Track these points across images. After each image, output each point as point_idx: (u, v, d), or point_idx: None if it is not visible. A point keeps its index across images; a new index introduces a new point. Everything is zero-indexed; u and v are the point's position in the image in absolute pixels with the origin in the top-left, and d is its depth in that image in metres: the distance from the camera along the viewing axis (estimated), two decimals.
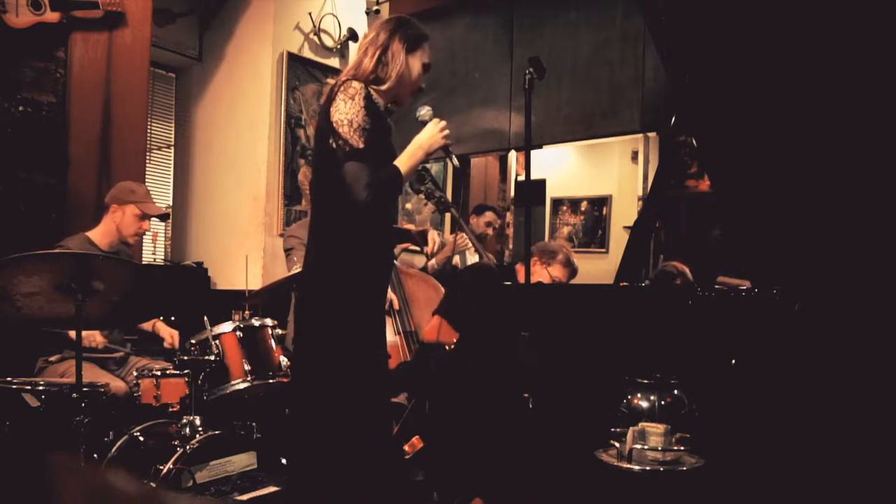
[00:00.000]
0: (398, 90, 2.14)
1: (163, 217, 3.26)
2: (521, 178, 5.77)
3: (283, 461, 2.73)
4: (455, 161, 2.23)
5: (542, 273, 3.37)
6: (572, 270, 3.54)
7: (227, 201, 4.77)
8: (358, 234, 2.03)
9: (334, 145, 1.96)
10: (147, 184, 4.15)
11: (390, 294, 3.51)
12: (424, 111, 2.22)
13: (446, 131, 2.12)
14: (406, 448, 2.78)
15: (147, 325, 3.23)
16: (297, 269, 3.11)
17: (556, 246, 3.63)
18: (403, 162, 2.06)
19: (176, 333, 3.14)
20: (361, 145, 1.93)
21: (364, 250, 2.04)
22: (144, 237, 4.16)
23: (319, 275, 2.07)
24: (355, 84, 1.99)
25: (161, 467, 2.44)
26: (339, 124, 1.95)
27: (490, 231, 4.73)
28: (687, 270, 3.79)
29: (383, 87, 2.08)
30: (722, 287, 3.15)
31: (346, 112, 1.95)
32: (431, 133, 2.11)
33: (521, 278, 3.41)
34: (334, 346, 2.03)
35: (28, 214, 3.51)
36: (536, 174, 5.72)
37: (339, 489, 1.98)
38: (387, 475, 2.10)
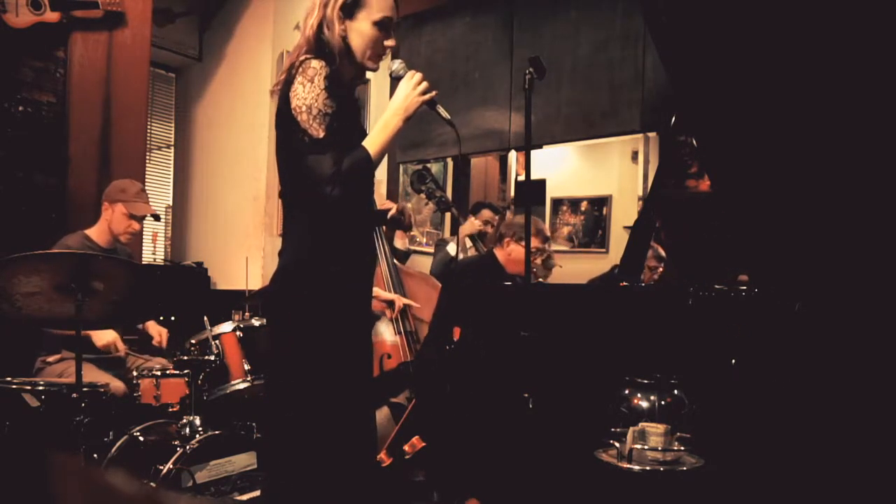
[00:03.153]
0: (355, 62, 1.89)
1: (155, 217, 3.23)
2: (521, 178, 5.77)
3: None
4: (444, 113, 1.89)
5: (519, 249, 3.40)
6: (544, 237, 3.64)
7: (227, 201, 4.77)
8: (330, 230, 1.83)
9: (295, 135, 1.77)
10: (147, 184, 4.15)
11: (393, 296, 3.50)
12: (397, 65, 1.90)
13: (423, 84, 1.83)
14: (406, 448, 2.78)
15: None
16: None
17: (522, 219, 3.61)
18: (375, 137, 1.81)
19: (164, 332, 3.14)
20: (322, 134, 1.74)
21: (338, 246, 1.85)
22: (144, 237, 4.18)
23: (292, 274, 1.86)
24: (314, 63, 1.77)
25: (161, 467, 2.44)
26: (297, 111, 1.75)
27: (489, 229, 4.74)
28: (658, 247, 3.86)
29: (334, 66, 1.82)
30: (722, 287, 3.15)
31: (305, 97, 1.75)
32: (405, 93, 1.83)
33: (503, 260, 3.53)
34: (309, 354, 1.83)
35: (28, 214, 3.51)
36: (536, 174, 5.72)
37: (322, 492, 1.83)
38: (370, 478, 1.95)
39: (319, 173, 1.74)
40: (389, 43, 1.89)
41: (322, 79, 1.76)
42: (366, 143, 1.80)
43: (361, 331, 1.98)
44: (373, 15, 1.85)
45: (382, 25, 1.87)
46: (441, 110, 1.89)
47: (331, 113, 1.77)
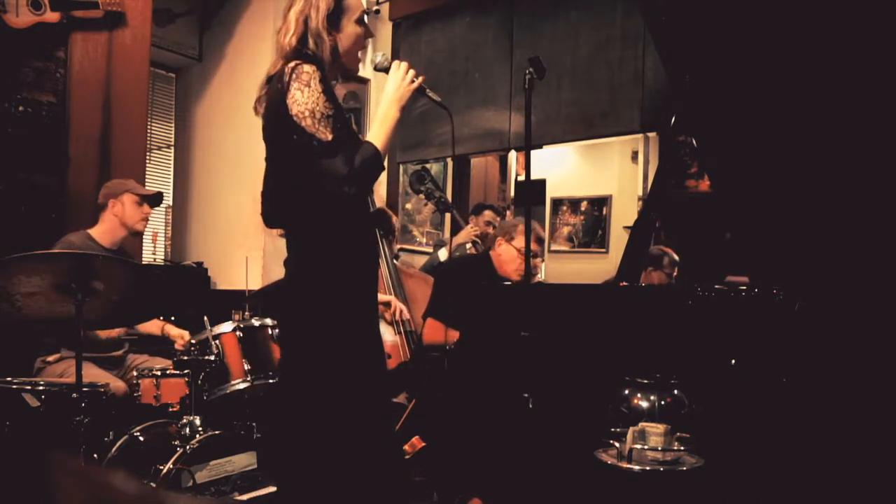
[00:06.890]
0: (342, 66, 1.96)
1: (158, 199, 3.29)
2: (521, 178, 5.77)
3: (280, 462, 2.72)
4: (435, 97, 1.94)
5: (510, 250, 3.36)
6: (537, 237, 3.51)
7: (227, 201, 4.77)
8: (340, 231, 1.86)
9: (300, 141, 1.78)
10: (147, 184, 4.16)
11: (389, 297, 3.50)
12: (380, 58, 1.95)
13: (411, 73, 1.89)
14: (406, 448, 2.78)
15: (156, 330, 3.23)
16: None
17: (513, 220, 3.69)
18: (378, 131, 1.85)
19: (186, 333, 3.16)
20: (330, 136, 1.75)
21: (349, 246, 1.89)
22: (144, 237, 4.19)
23: (304, 277, 1.88)
24: (307, 68, 1.78)
25: (161, 467, 2.44)
26: (300, 117, 1.76)
27: (490, 230, 4.74)
28: (670, 251, 3.83)
29: (323, 72, 1.85)
30: (722, 287, 3.16)
31: (306, 101, 1.76)
32: (397, 84, 1.89)
33: (498, 265, 3.42)
34: (327, 353, 1.86)
35: (28, 214, 3.52)
36: (536, 174, 5.72)
37: (336, 491, 1.87)
38: (387, 477, 1.97)
39: (335, 174, 1.76)
40: (370, 36, 1.99)
41: (318, 82, 1.79)
42: (370, 138, 1.84)
43: (373, 330, 1.98)
44: (354, 14, 1.93)
45: (363, 21, 1.95)
46: (432, 94, 1.95)
47: (332, 114, 1.79)
